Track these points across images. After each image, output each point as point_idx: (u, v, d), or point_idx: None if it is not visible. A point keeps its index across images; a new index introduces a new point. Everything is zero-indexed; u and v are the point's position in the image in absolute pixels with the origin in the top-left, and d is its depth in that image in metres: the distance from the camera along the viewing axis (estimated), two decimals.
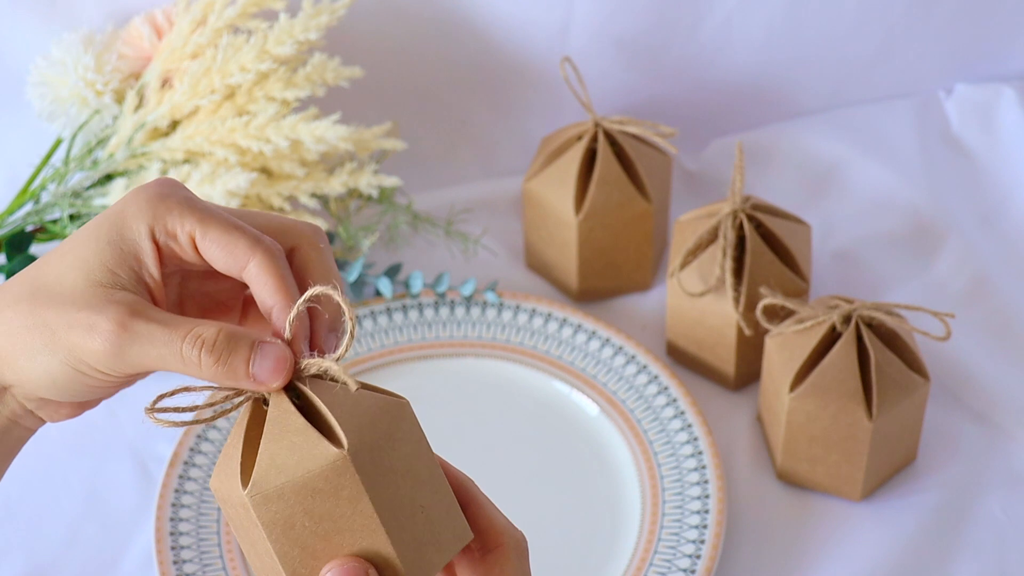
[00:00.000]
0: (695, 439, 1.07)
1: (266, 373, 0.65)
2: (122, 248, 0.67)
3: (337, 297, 0.65)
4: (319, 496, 0.64)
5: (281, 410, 0.65)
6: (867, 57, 1.30)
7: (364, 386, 0.66)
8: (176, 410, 0.65)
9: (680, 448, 1.07)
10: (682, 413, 1.09)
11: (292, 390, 0.66)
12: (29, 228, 1.17)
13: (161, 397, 0.65)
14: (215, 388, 0.66)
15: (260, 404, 0.66)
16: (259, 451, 0.64)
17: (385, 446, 0.65)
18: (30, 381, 0.68)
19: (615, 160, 1.15)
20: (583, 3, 1.23)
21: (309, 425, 0.64)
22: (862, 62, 1.31)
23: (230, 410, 0.66)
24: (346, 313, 0.65)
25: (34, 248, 1.17)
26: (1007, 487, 1.07)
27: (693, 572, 1.00)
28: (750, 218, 1.08)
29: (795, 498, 1.07)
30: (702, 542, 1.02)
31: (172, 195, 0.68)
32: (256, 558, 0.67)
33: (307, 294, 0.66)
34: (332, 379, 0.66)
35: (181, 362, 0.65)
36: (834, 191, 1.27)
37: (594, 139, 1.15)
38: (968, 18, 1.29)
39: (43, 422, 0.72)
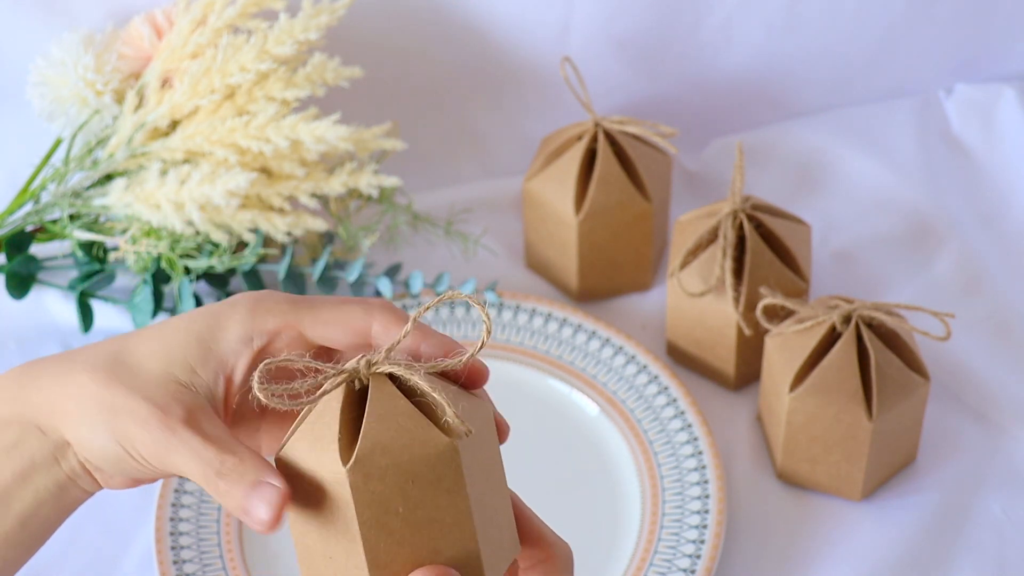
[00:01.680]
0: (695, 439, 1.07)
1: (257, 510, 0.66)
2: (211, 348, 0.70)
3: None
4: (419, 483, 0.63)
5: (384, 392, 0.65)
6: (867, 57, 1.30)
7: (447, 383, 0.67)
8: (284, 390, 0.65)
9: (680, 448, 1.07)
10: (682, 413, 1.09)
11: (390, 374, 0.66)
12: (29, 228, 1.17)
13: (267, 366, 0.65)
14: (317, 365, 0.66)
15: (352, 386, 0.65)
16: (363, 429, 0.63)
17: (479, 443, 0.65)
18: (86, 449, 0.70)
19: (615, 160, 1.15)
20: (583, 3, 1.23)
21: (417, 410, 0.64)
22: (862, 62, 1.31)
23: (329, 390, 0.65)
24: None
25: (34, 248, 1.17)
26: (1007, 487, 1.07)
27: (693, 572, 1.00)
28: (750, 218, 1.08)
29: (795, 498, 1.07)
30: (702, 542, 1.02)
31: (270, 298, 0.71)
32: (322, 540, 0.65)
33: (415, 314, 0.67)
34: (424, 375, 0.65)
35: (203, 481, 0.67)
36: (834, 191, 1.27)
37: (594, 139, 1.15)
38: (968, 18, 1.29)
39: (99, 486, 0.73)
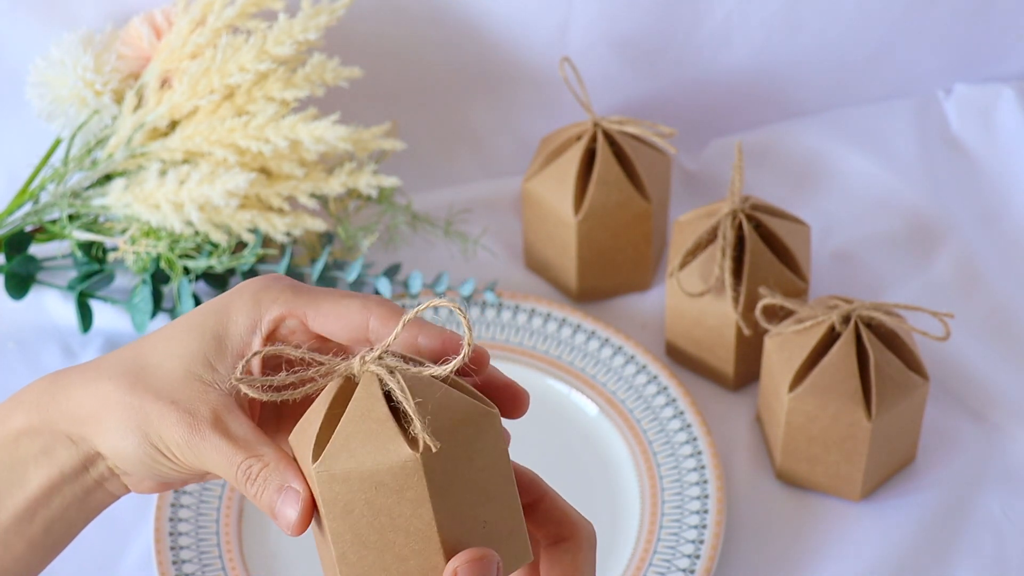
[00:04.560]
0: (694, 439, 1.07)
1: (282, 519, 0.67)
2: (224, 342, 0.70)
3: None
4: (383, 490, 0.63)
5: (368, 393, 0.65)
6: (867, 57, 1.30)
7: (457, 384, 0.66)
8: (265, 381, 0.66)
9: (679, 448, 1.07)
10: (681, 413, 1.09)
11: (390, 372, 0.65)
12: (28, 228, 1.17)
13: (251, 358, 0.67)
14: (307, 357, 0.67)
15: (350, 380, 0.66)
16: (336, 430, 0.64)
17: (462, 457, 0.65)
18: (115, 454, 0.71)
19: (614, 160, 1.15)
20: (582, 3, 1.23)
21: (391, 417, 0.64)
22: (862, 62, 1.31)
23: (322, 385, 0.66)
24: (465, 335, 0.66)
25: (33, 248, 1.17)
26: (1006, 486, 1.07)
27: (692, 572, 1.00)
28: (749, 218, 1.08)
29: (794, 498, 1.07)
30: (701, 542, 1.01)
31: (275, 285, 0.72)
32: (318, 529, 0.67)
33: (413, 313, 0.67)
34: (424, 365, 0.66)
35: (234, 482, 0.69)
36: (833, 191, 1.27)
37: (593, 139, 1.15)
38: (968, 18, 1.29)
39: (126, 490, 0.74)
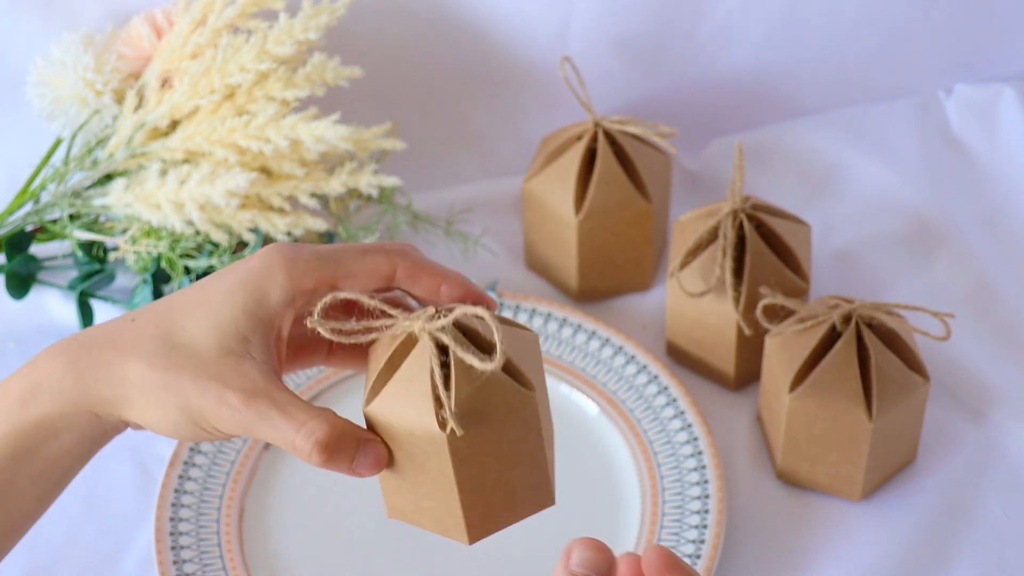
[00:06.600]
0: (695, 439, 1.07)
1: (365, 469, 0.71)
2: (259, 316, 0.73)
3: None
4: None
5: (420, 361, 0.70)
6: (867, 57, 1.30)
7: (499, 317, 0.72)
8: (338, 326, 0.71)
9: (680, 448, 1.07)
10: (682, 413, 1.09)
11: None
12: (29, 228, 1.17)
13: (333, 299, 0.71)
14: (385, 308, 0.71)
15: (412, 336, 0.71)
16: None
17: (490, 435, 0.70)
18: (154, 427, 0.73)
19: (615, 160, 1.15)
20: (583, 3, 1.23)
21: (430, 394, 0.69)
22: (862, 62, 1.31)
23: (398, 333, 0.71)
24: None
25: (34, 248, 1.17)
26: (1007, 486, 1.07)
27: None
28: (750, 218, 1.08)
29: (795, 498, 1.07)
30: (702, 542, 1.01)
31: (300, 255, 0.75)
32: (414, 486, 0.70)
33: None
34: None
35: (293, 449, 0.71)
36: (834, 191, 1.27)
37: (594, 139, 1.15)
38: (968, 18, 1.29)
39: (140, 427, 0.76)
